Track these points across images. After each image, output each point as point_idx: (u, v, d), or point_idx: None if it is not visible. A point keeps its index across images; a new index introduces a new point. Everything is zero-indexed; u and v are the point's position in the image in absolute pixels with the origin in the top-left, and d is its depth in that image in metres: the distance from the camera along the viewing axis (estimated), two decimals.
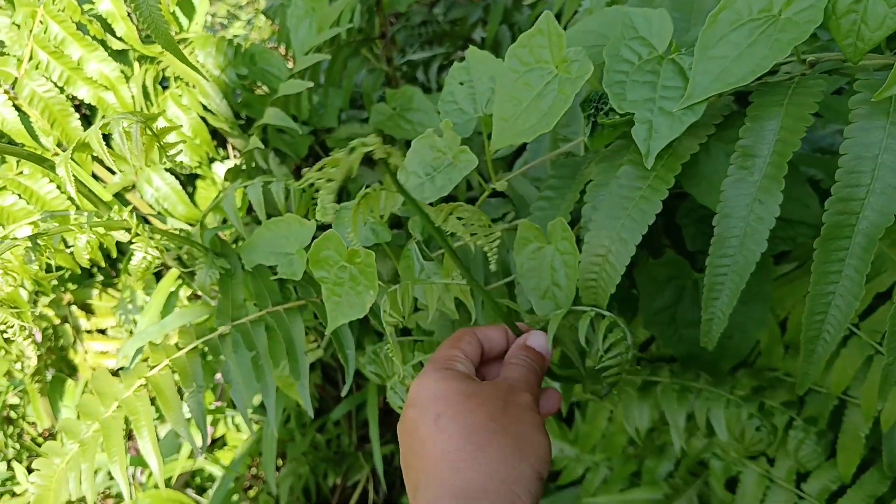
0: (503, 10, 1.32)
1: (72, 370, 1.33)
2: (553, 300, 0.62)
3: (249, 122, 1.15)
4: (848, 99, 0.49)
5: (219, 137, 1.19)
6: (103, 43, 1.01)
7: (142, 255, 0.71)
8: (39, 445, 1.40)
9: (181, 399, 0.74)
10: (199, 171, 1.12)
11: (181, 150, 0.76)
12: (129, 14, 1.00)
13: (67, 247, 1.00)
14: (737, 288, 0.53)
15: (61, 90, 1.00)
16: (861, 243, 0.48)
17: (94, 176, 1.10)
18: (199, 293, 0.98)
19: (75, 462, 0.74)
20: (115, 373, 0.79)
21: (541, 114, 0.58)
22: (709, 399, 0.83)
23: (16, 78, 1.00)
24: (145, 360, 0.76)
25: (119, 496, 1.43)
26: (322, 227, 0.74)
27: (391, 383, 0.75)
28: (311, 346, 1.03)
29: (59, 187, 1.01)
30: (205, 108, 1.03)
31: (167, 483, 1.31)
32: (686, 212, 0.70)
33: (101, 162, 1.10)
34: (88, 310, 1.34)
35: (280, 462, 1.39)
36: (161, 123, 0.97)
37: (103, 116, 1.01)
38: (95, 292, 1.33)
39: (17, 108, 0.99)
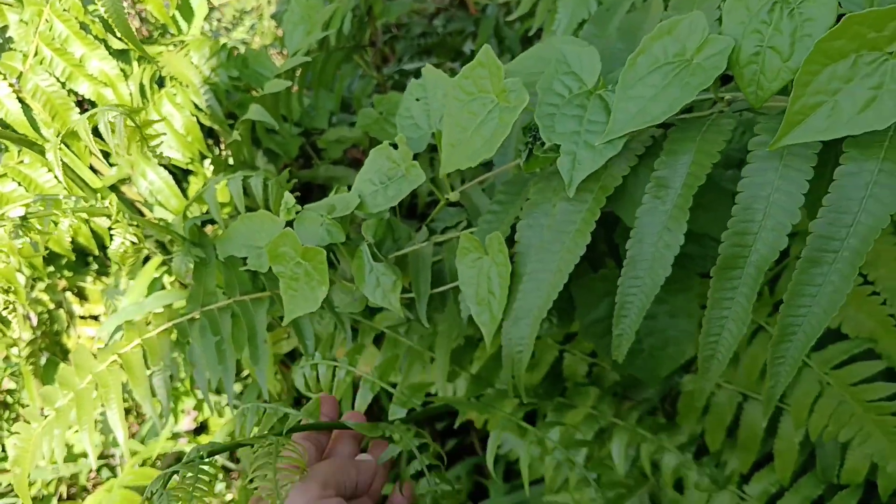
0: (494, 24, 1.37)
1: (65, 354, 1.40)
2: (488, 307, 0.67)
3: None
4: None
5: (214, 136, 1.25)
6: (104, 42, 1.07)
7: (120, 240, 0.77)
8: None
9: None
10: (191, 168, 1.18)
11: (161, 143, 0.81)
12: (129, 14, 1.06)
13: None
14: (643, 307, 0.58)
15: (63, 85, 1.06)
16: (752, 274, 0.53)
17: (92, 169, 1.16)
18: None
19: (50, 427, 0.81)
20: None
21: (483, 140, 0.64)
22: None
23: (21, 72, 1.06)
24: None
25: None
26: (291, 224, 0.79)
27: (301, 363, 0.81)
28: (283, 336, 1.09)
29: (56, 177, 1.07)
30: (197, 107, 1.09)
31: (152, 464, 1.38)
32: (622, 231, 0.75)
33: (102, 155, 1.16)
34: (82, 296, 1.41)
35: None
36: (154, 117, 1.04)
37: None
38: (90, 279, 1.40)
39: (21, 101, 1.05)
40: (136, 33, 1.06)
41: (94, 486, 1.51)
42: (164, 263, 1.10)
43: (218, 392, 1.45)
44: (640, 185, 0.63)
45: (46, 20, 1.05)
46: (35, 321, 1.32)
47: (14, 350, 1.34)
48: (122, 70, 1.08)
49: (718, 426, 0.89)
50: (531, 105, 0.61)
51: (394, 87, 1.40)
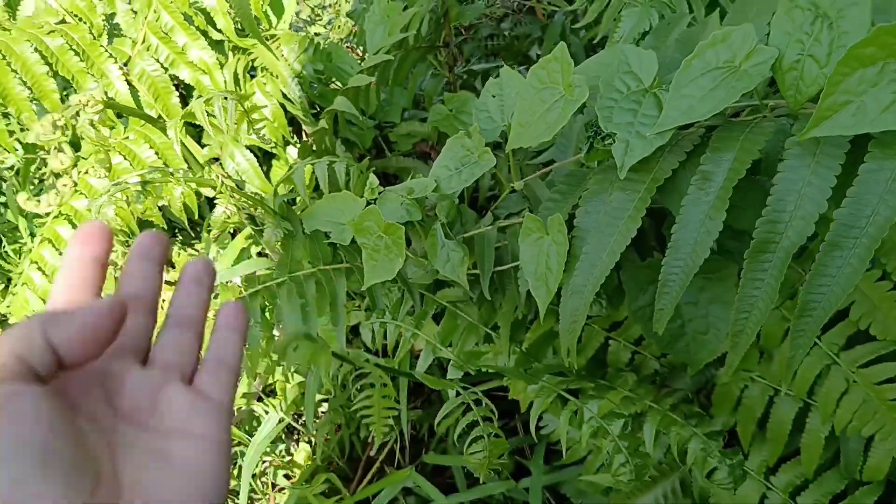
0: (560, 31, 1.45)
1: None
2: (545, 282, 0.75)
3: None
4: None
5: (295, 124, 1.35)
6: (205, 33, 1.18)
7: (222, 209, 0.87)
8: None
9: None
10: (275, 152, 1.29)
11: (264, 126, 0.92)
12: (228, 10, 1.17)
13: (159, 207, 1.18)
14: (683, 285, 0.65)
15: (166, 70, 1.18)
16: (781, 258, 0.60)
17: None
18: (267, 252, 1.14)
19: None
20: None
21: (546, 125, 0.72)
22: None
23: (129, 57, 1.18)
24: (216, 297, 0.92)
25: None
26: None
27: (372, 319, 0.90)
28: (355, 308, 1.19)
29: (157, 153, 1.19)
30: (284, 96, 1.20)
31: None
32: (670, 223, 0.82)
33: (194, 137, 1.28)
34: (169, 263, 1.53)
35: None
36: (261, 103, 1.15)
37: (199, 96, 1.19)
38: (176, 249, 1.52)
39: (129, 83, 1.17)
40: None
41: None
42: (251, 235, 1.21)
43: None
44: (687, 179, 0.70)
45: (154, 11, 1.17)
46: None
47: None
48: (218, 59, 1.20)
49: (750, 418, 0.95)
50: (591, 103, 0.69)
51: (462, 87, 1.49)
